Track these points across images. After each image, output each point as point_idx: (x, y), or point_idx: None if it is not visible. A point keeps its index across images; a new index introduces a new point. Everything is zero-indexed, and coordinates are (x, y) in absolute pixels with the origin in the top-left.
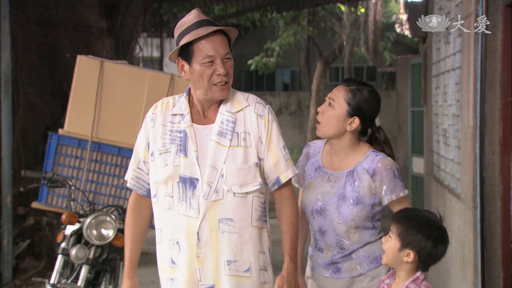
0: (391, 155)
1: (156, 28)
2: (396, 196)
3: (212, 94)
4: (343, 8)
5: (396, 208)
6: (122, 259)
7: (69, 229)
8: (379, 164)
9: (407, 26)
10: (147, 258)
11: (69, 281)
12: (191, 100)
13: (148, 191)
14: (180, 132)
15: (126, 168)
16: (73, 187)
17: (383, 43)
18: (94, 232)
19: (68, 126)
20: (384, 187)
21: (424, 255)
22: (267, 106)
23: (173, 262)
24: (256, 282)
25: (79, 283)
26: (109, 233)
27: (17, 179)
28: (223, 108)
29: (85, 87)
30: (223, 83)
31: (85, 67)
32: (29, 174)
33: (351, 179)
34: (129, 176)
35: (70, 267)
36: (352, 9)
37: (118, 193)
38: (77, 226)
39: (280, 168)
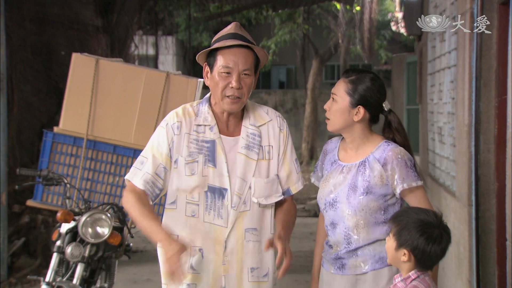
0: (402, 142)
1: (151, 26)
2: (408, 185)
3: (222, 105)
4: (338, 6)
5: (410, 200)
6: (117, 257)
7: (64, 227)
8: (390, 153)
9: (402, 24)
10: (143, 256)
11: (64, 279)
12: (215, 110)
13: (156, 196)
14: (207, 142)
15: (122, 166)
16: (68, 185)
17: (378, 41)
18: (90, 230)
19: (64, 124)
20: (396, 176)
21: (418, 254)
22: (284, 120)
23: (193, 268)
24: (271, 285)
25: (74, 281)
26: (104, 231)
27: (12, 177)
28: (246, 122)
29: (80, 85)
30: (235, 97)
31: (81, 65)
32: (24, 172)
33: (363, 168)
34: (142, 179)
35: (65, 265)
36: (348, 7)
37: (114, 191)
38: (72, 224)
39: (292, 179)
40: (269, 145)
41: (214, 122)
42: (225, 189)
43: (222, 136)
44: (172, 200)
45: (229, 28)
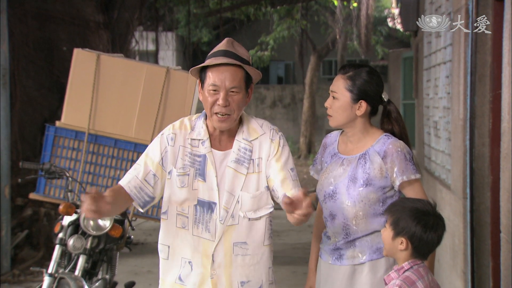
0: (400, 132)
1: (152, 22)
2: (407, 177)
3: (212, 122)
4: (336, 2)
5: (407, 192)
6: (118, 249)
7: (67, 220)
8: (390, 146)
9: (399, 20)
10: (144, 248)
11: (66, 270)
12: (208, 125)
13: (146, 203)
14: (199, 156)
15: (123, 159)
16: (70, 179)
17: (375, 37)
18: (91, 222)
19: (65, 118)
20: (395, 169)
21: (416, 242)
22: (279, 133)
23: (180, 279)
24: None
25: (76, 272)
26: (105, 223)
27: (15, 170)
28: (239, 136)
29: (82, 80)
30: (222, 114)
31: (82, 60)
32: (27, 165)
33: (363, 161)
34: (131, 184)
35: (67, 257)
36: (345, 3)
37: (115, 184)
38: (74, 216)
39: (288, 185)
40: (259, 158)
41: (206, 137)
42: (214, 203)
43: (213, 150)
44: (164, 210)
45: (221, 45)
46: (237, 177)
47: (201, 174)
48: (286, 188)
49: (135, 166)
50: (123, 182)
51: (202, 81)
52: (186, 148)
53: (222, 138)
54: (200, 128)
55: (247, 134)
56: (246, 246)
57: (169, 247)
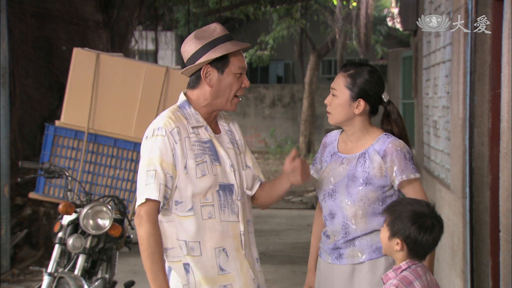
0: (400, 133)
1: (151, 21)
2: (406, 177)
3: (230, 106)
4: (335, 1)
5: (407, 191)
6: (118, 248)
7: (66, 219)
8: (390, 145)
9: (398, 20)
10: None
11: (66, 270)
12: (205, 111)
13: (163, 206)
14: (205, 142)
15: (122, 159)
16: (69, 178)
17: (374, 36)
18: (91, 222)
19: (65, 117)
20: (395, 168)
21: (410, 244)
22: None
23: (222, 269)
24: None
25: (76, 272)
26: (105, 223)
27: (15, 170)
28: (220, 121)
29: (81, 79)
30: (241, 96)
31: (81, 60)
32: (26, 165)
33: (362, 160)
34: (160, 193)
35: (67, 256)
36: (344, 2)
37: (114, 183)
38: (73, 216)
39: (258, 168)
40: (239, 140)
41: (205, 122)
42: (232, 185)
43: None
44: (189, 207)
45: (220, 30)
46: (237, 157)
47: (216, 158)
48: (258, 171)
49: (150, 173)
50: (157, 196)
51: (221, 67)
52: (191, 138)
53: (213, 123)
54: (195, 115)
55: (223, 119)
56: (251, 223)
57: (199, 242)
